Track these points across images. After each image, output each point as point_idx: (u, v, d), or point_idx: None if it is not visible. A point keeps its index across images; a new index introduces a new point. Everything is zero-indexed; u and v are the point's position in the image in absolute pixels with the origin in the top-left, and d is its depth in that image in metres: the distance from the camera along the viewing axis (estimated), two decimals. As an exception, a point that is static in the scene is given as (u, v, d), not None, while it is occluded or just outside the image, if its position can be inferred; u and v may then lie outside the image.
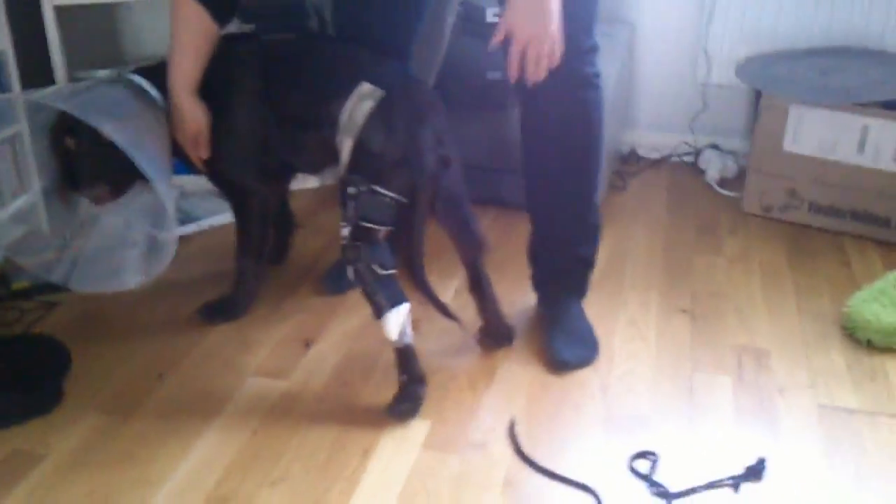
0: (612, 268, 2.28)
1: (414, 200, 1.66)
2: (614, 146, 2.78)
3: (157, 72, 1.90)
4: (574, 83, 1.80)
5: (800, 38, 2.70)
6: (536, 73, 1.64)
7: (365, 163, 1.65)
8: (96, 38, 2.70)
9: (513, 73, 1.64)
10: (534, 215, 1.96)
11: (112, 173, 1.79)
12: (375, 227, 1.64)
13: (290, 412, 1.74)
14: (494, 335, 1.94)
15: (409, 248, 1.70)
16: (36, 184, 2.38)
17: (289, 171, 2.07)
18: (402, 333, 1.68)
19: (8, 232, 2.20)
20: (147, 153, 1.67)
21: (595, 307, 2.04)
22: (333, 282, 2.19)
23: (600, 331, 1.97)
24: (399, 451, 1.64)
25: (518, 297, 2.08)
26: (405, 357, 1.72)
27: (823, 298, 2.14)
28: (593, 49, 1.81)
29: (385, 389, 1.79)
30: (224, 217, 2.51)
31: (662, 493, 1.54)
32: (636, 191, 2.76)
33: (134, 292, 1.99)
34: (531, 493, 1.54)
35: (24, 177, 2.38)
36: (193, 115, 1.82)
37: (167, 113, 1.84)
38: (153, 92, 1.86)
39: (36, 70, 2.41)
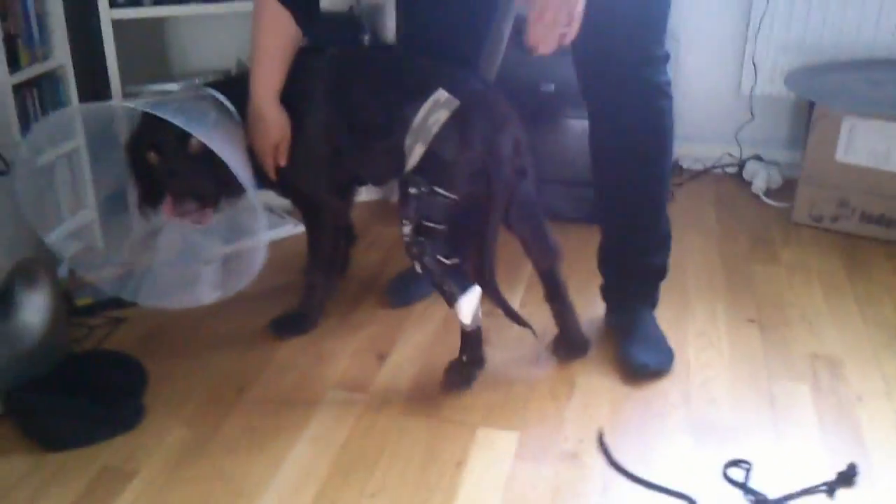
0: (674, 278, 2.26)
1: (488, 209, 1.69)
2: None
3: (230, 85, 1.90)
4: (648, 92, 1.82)
5: (844, 50, 2.73)
6: (546, 40, 1.58)
7: (430, 167, 1.69)
8: (145, 53, 2.70)
9: (529, 39, 1.59)
10: (606, 225, 1.97)
11: (198, 188, 1.77)
12: (435, 225, 1.69)
13: (375, 425, 1.74)
14: (570, 345, 1.94)
15: (481, 256, 1.74)
16: (92, 200, 2.37)
17: (356, 184, 2.07)
18: (474, 317, 1.75)
19: (67, 248, 2.20)
20: (236, 163, 1.68)
21: (663, 318, 2.04)
22: (397, 294, 2.19)
23: (671, 341, 1.97)
24: (492, 462, 1.63)
25: (579, 308, 2.08)
26: (472, 339, 1.79)
27: (885, 307, 2.16)
28: (665, 58, 1.83)
29: (468, 401, 1.79)
30: (280, 231, 2.51)
31: (761, 500, 1.54)
32: (683, 202, 2.77)
33: (198, 308, 1.98)
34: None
35: (81, 193, 2.37)
36: (277, 123, 1.82)
37: (244, 124, 1.84)
38: (229, 105, 1.86)
39: (90, 84, 2.41)
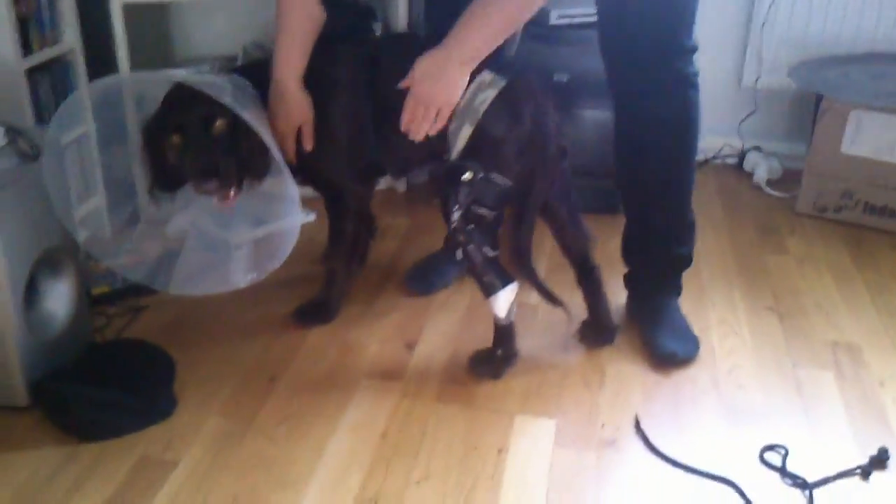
0: (688, 266, 2.31)
1: (531, 187, 1.71)
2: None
3: (251, 71, 1.89)
4: (677, 83, 1.83)
5: (845, 44, 2.78)
6: (415, 129, 1.71)
7: (483, 149, 1.69)
8: (150, 39, 2.66)
9: (404, 123, 1.71)
10: (631, 214, 1.99)
11: (223, 168, 1.75)
12: (485, 211, 1.69)
13: (412, 413, 1.74)
14: (598, 331, 1.96)
15: (519, 235, 1.75)
16: (101, 188, 2.33)
17: (378, 173, 2.06)
18: (510, 312, 1.76)
19: (78, 237, 2.15)
20: (271, 142, 1.67)
21: (682, 306, 2.06)
22: (419, 282, 2.19)
23: (694, 328, 1.99)
24: (533, 449, 1.64)
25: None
26: (506, 334, 1.81)
27: (895, 294, 2.20)
28: (693, 49, 1.84)
29: (501, 389, 1.80)
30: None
31: (800, 483, 1.57)
32: (687, 192, 2.80)
33: (217, 296, 1.96)
34: (672, 489, 1.56)
35: (89, 181, 2.33)
36: (300, 105, 1.80)
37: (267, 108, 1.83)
38: (251, 90, 1.84)
39: (99, 69, 2.36)
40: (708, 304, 2.15)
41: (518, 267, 1.77)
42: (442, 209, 1.71)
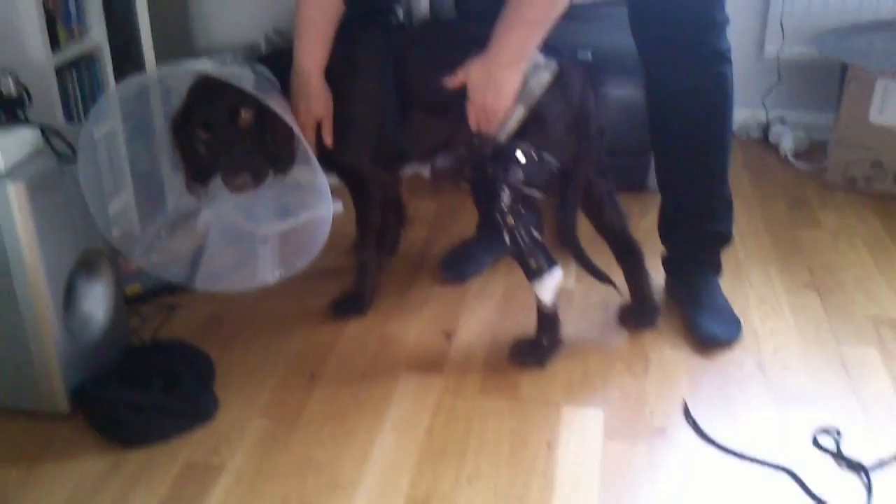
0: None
1: (576, 166, 1.71)
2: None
3: (273, 61, 1.85)
4: (710, 58, 1.82)
5: (868, 11, 2.73)
6: (485, 132, 1.70)
7: (537, 131, 1.68)
8: (171, 28, 2.62)
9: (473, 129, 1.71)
10: (667, 192, 1.97)
11: (252, 161, 1.72)
12: (536, 192, 1.68)
13: (456, 408, 1.71)
14: (640, 313, 1.93)
15: (565, 214, 1.75)
16: (130, 185, 2.29)
17: (403, 160, 2.03)
18: (554, 297, 1.75)
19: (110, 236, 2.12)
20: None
21: (722, 286, 2.03)
22: (453, 270, 2.17)
23: (735, 308, 1.97)
24: (582, 441, 1.62)
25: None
26: (551, 321, 1.79)
27: (934, 267, 2.18)
28: (725, 23, 1.81)
29: (545, 378, 1.78)
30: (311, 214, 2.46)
31: (856, 466, 1.55)
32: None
33: (249, 292, 1.94)
34: (727, 477, 1.54)
35: (118, 178, 2.29)
36: (321, 98, 1.78)
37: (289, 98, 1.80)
38: (274, 79, 1.81)
39: (124, 64, 2.32)
40: (746, 284, 2.12)
41: (566, 246, 1.78)
42: (486, 192, 1.70)
